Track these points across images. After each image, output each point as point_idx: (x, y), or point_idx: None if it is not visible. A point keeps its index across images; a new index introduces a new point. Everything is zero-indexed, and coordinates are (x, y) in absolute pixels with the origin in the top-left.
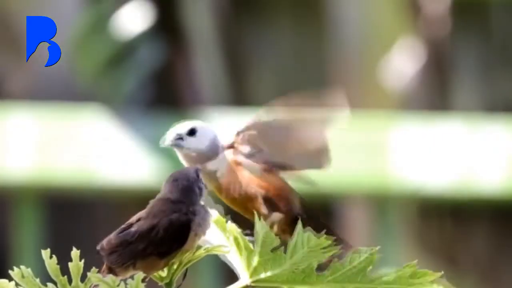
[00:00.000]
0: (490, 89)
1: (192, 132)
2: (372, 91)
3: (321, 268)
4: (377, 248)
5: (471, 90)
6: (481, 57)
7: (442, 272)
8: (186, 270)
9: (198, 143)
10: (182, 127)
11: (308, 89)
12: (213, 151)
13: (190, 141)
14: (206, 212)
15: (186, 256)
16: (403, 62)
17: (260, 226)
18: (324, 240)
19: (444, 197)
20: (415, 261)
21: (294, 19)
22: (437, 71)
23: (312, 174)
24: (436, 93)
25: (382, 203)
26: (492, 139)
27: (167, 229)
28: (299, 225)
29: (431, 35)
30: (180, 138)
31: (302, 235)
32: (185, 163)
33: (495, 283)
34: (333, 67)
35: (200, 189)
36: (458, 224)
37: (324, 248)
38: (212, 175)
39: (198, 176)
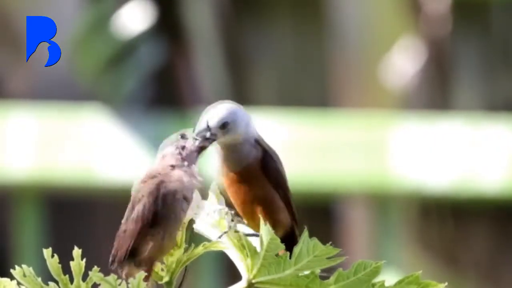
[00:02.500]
0: (490, 88)
1: (224, 126)
2: (373, 91)
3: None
4: (382, 262)
5: (472, 89)
6: (481, 57)
7: (446, 284)
8: (186, 268)
9: (231, 133)
10: (212, 119)
11: (308, 89)
12: (247, 136)
13: (221, 135)
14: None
15: (185, 254)
16: (403, 62)
17: (265, 230)
18: (329, 248)
19: (445, 197)
20: (419, 272)
21: (295, 19)
22: (438, 70)
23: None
24: (436, 92)
25: (382, 203)
26: (493, 138)
27: (149, 205)
28: (305, 233)
29: (431, 34)
30: (213, 134)
31: (308, 243)
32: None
33: (495, 282)
34: (333, 66)
35: (183, 148)
36: (459, 223)
37: (329, 257)
38: (243, 155)
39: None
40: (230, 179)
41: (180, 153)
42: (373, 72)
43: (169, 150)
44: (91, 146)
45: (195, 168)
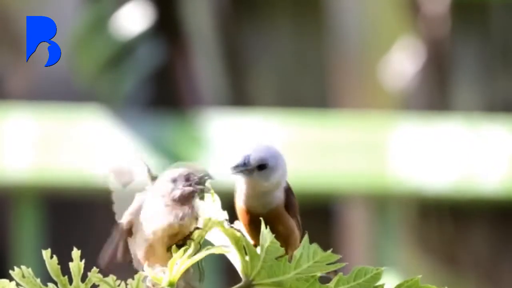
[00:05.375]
0: (489, 89)
1: (261, 167)
2: (372, 91)
3: None
4: (383, 268)
5: (471, 90)
6: (480, 57)
7: (446, 287)
8: (200, 271)
9: (266, 179)
10: (254, 157)
11: (308, 89)
12: (277, 187)
13: (258, 176)
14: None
15: (187, 256)
16: (402, 62)
17: (265, 235)
18: (330, 255)
19: (444, 197)
20: (419, 276)
21: (294, 19)
22: (437, 71)
23: (312, 175)
24: (436, 93)
25: (382, 203)
26: (492, 139)
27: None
28: (306, 238)
29: (430, 35)
30: (249, 169)
31: (308, 248)
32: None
33: (495, 282)
34: (333, 67)
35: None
36: (458, 224)
37: (330, 263)
38: (271, 199)
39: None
40: (250, 218)
41: (173, 198)
42: (373, 72)
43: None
44: (90, 146)
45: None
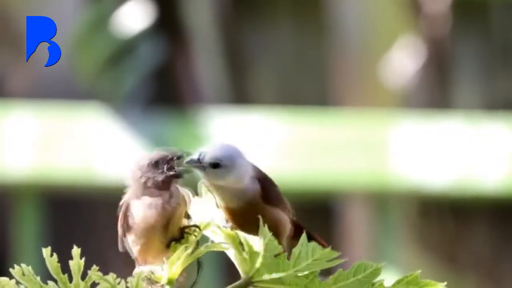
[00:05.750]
0: (490, 87)
1: (214, 166)
2: (373, 90)
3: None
4: (383, 264)
5: (472, 88)
6: (481, 56)
7: (445, 283)
8: (199, 266)
9: (220, 177)
10: (207, 155)
11: (308, 88)
12: (238, 183)
13: (212, 174)
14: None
15: (187, 254)
16: (403, 61)
17: (264, 232)
18: (329, 252)
19: (445, 195)
20: (418, 271)
21: (295, 18)
22: (438, 69)
23: (312, 173)
24: (436, 91)
25: (382, 201)
26: (492, 137)
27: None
28: (304, 236)
29: (431, 33)
30: (201, 166)
31: (307, 247)
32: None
33: (496, 280)
34: (334, 65)
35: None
36: (459, 222)
37: (329, 260)
38: (235, 197)
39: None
40: (231, 213)
41: (144, 183)
42: (373, 71)
43: (136, 175)
44: (90, 145)
45: (165, 195)
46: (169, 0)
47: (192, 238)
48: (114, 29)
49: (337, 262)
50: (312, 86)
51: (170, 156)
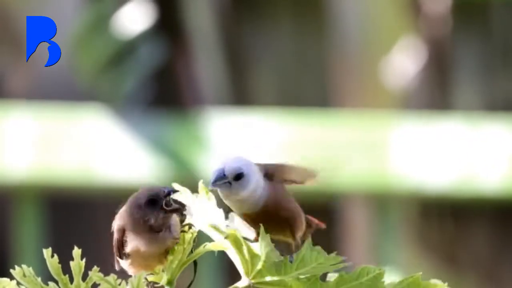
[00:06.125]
0: (490, 88)
1: (238, 177)
2: (373, 90)
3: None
4: (385, 268)
5: (472, 89)
6: (481, 57)
7: (446, 283)
8: (195, 265)
9: (244, 187)
10: (229, 169)
11: (308, 89)
12: (256, 191)
13: (237, 186)
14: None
15: (185, 254)
16: (403, 62)
17: (265, 241)
18: (334, 257)
19: (445, 196)
20: (419, 273)
21: (295, 18)
22: (438, 70)
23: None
24: (436, 92)
25: (382, 202)
26: (492, 138)
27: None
28: (308, 240)
29: (431, 34)
30: (227, 182)
31: (311, 251)
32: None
33: (496, 282)
34: (334, 66)
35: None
36: (459, 223)
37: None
38: (254, 203)
39: (167, 195)
40: (251, 218)
41: (143, 223)
42: (374, 72)
43: (133, 214)
44: (90, 146)
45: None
46: (169, 2)
47: (188, 236)
48: (114, 30)
49: (340, 266)
50: (313, 87)
51: (165, 192)
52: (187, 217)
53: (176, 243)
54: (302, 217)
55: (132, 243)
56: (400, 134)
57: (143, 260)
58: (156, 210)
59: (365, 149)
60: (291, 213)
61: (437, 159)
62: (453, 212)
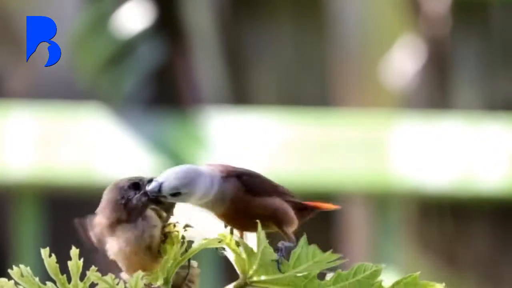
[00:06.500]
0: (490, 87)
1: (175, 195)
2: (373, 90)
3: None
4: (383, 266)
5: (472, 88)
6: (481, 56)
7: (444, 284)
8: (189, 261)
9: (189, 196)
10: (165, 187)
11: (308, 88)
12: (207, 191)
13: (178, 198)
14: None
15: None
16: (403, 61)
17: (261, 238)
18: (330, 255)
19: (444, 196)
20: (417, 273)
21: (294, 18)
22: (438, 69)
23: (312, 173)
24: (436, 91)
25: (382, 202)
26: (492, 137)
27: None
28: (304, 238)
29: (431, 34)
30: (163, 197)
31: (307, 249)
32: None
33: (496, 281)
34: (334, 65)
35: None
36: (459, 222)
37: (329, 262)
38: (217, 204)
39: (128, 188)
40: (224, 219)
41: (124, 205)
42: (373, 71)
43: (114, 196)
44: (90, 145)
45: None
46: (169, 1)
47: (176, 234)
48: (114, 30)
49: (337, 263)
50: (312, 86)
51: (147, 178)
52: (171, 217)
53: (159, 240)
54: (286, 212)
55: (111, 250)
56: (399, 133)
57: (127, 260)
58: (139, 192)
59: (365, 149)
60: (266, 209)
61: (437, 158)
62: (453, 211)
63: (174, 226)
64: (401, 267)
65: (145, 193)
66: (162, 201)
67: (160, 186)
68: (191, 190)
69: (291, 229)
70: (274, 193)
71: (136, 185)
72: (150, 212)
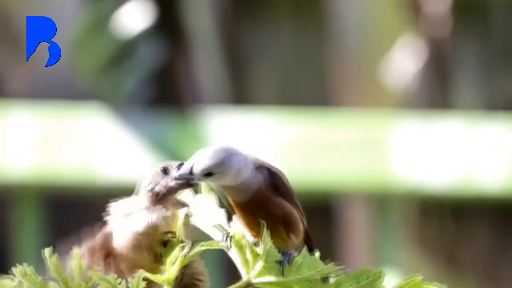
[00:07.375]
0: (490, 87)
1: (208, 175)
2: (373, 90)
3: None
4: (384, 271)
5: (472, 88)
6: (481, 56)
7: (446, 285)
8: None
9: (220, 180)
10: (197, 166)
11: (308, 88)
12: (240, 175)
13: (208, 181)
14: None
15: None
16: (404, 61)
17: (266, 239)
18: (331, 266)
19: (445, 196)
20: (420, 276)
21: (295, 18)
22: (438, 70)
23: (312, 173)
24: (436, 91)
25: (382, 201)
26: (492, 137)
27: None
28: (305, 248)
29: (432, 34)
30: (196, 180)
31: (309, 259)
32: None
33: (495, 281)
34: (334, 65)
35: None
36: (459, 222)
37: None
38: (241, 190)
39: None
40: (238, 207)
41: (152, 191)
42: (373, 71)
43: (144, 183)
44: (91, 145)
45: (164, 212)
46: (169, 1)
47: (174, 241)
48: (114, 30)
49: (339, 270)
50: (312, 86)
51: (177, 164)
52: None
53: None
54: (298, 221)
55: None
56: (400, 133)
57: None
58: (167, 177)
59: (365, 149)
60: (282, 211)
61: (437, 158)
62: (453, 211)
63: (173, 237)
64: (401, 267)
65: (173, 178)
66: (192, 185)
67: (191, 169)
68: (224, 169)
69: (295, 239)
70: (291, 200)
71: (166, 170)
72: (174, 202)
